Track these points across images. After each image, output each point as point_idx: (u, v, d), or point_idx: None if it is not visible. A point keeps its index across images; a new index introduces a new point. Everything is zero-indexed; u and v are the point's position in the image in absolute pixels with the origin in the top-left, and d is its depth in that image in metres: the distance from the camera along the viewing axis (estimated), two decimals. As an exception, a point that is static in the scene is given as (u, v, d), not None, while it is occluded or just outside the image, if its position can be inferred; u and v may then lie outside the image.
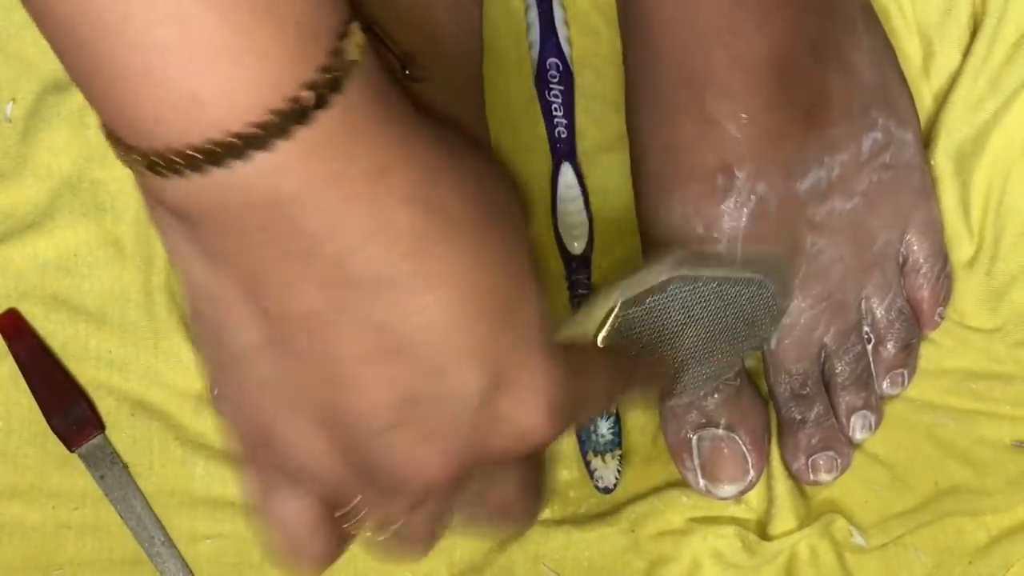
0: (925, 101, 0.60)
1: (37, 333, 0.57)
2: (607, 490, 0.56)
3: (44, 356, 0.57)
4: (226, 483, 0.56)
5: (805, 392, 0.55)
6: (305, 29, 0.32)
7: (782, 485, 0.55)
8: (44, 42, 0.62)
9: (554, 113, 0.60)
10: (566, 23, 0.61)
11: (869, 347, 0.56)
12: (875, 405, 0.56)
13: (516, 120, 0.60)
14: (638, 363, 0.46)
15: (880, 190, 0.56)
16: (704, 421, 0.55)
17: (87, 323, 0.58)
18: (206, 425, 0.57)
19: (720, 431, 0.54)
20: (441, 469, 0.38)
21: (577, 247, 0.58)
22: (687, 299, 0.47)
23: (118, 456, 0.56)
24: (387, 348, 0.35)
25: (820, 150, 0.54)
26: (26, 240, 0.58)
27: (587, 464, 0.56)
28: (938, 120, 0.60)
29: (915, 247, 0.57)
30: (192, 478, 0.56)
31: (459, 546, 0.55)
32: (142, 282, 0.58)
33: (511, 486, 0.43)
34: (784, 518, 0.55)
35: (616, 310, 0.45)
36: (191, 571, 0.55)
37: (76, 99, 0.59)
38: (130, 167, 0.34)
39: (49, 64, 0.60)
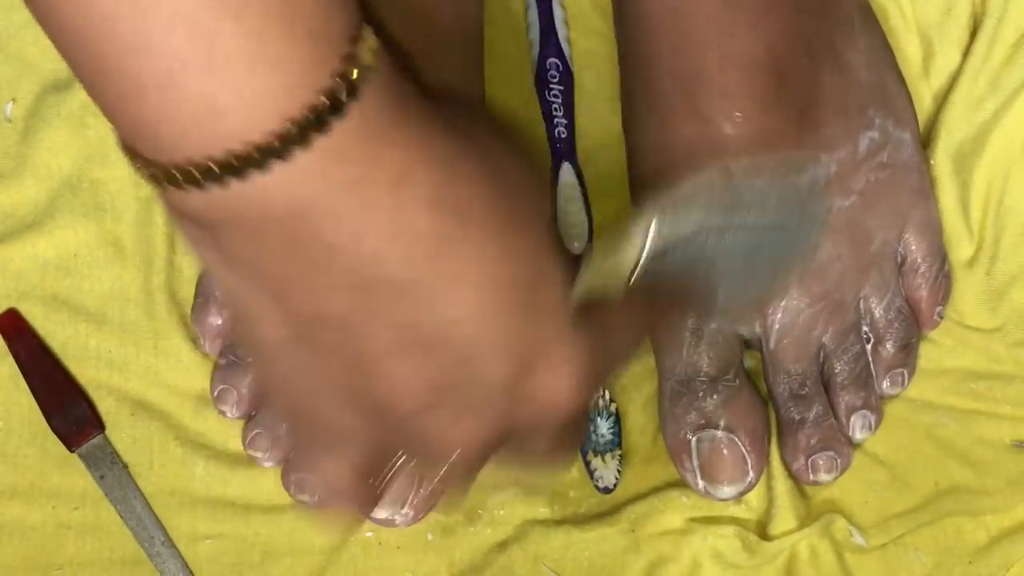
0: (925, 101, 0.60)
1: (37, 333, 0.57)
2: (607, 490, 0.56)
3: (44, 356, 0.57)
4: (226, 483, 0.56)
5: (804, 392, 0.55)
6: (319, 35, 0.32)
7: (782, 485, 0.55)
8: (44, 42, 0.63)
9: (554, 113, 0.60)
10: (566, 23, 0.61)
11: (868, 347, 0.56)
12: (875, 405, 0.56)
13: (516, 120, 0.60)
14: (665, 298, 0.45)
15: (877, 189, 0.56)
16: (703, 422, 0.55)
17: (87, 323, 0.58)
18: (206, 425, 0.57)
19: (719, 432, 0.54)
20: (472, 443, 0.39)
21: (577, 247, 0.58)
22: (723, 216, 0.45)
23: (118, 456, 0.56)
24: (414, 343, 0.36)
25: (816, 149, 0.54)
26: (26, 240, 0.58)
27: (587, 464, 0.56)
28: (938, 120, 0.60)
29: (913, 247, 0.57)
30: (192, 478, 0.56)
31: (459, 546, 0.55)
32: (142, 282, 0.58)
33: (545, 441, 0.43)
34: (784, 518, 0.55)
35: (648, 250, 0.43)
36: (191, 571, 0.55)
37: (76, 99, 0.59)
38: (148, 180, 0.34)
39: (49, 64, 0.60)
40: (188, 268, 0.58)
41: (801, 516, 0.55)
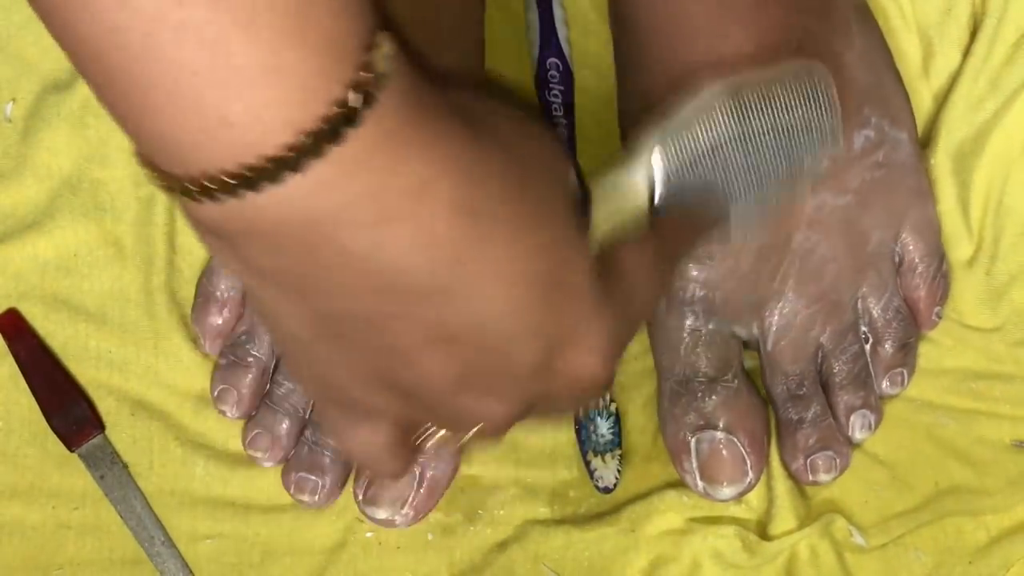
0: (925, 101, 0.60)
1: (37, 333, 0.57)
2: (607, 490, 0.56)
3: (44, 356, 0.57)
4: (226, 483, 0.56)
5: (802, 393, 0.55)
6: (332, 44, 0.31)
7: (782, 485, 0.55)
8: (44, 42, 0.63)
9: (554, 113, 0.60)
10: (566, 23, 0.61)
11: (867, 347, 0.56)
12: (874, 404, 0.56)
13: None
14: (683, 229, 0.44)
15: (873, 189, 0.56)
16: (702, 423, 0.55)
17: (87, 323, 0.58)
18: (206, 425, 0.57)
19: (719, 433, 0.54)
20: (502, 417, 0.39)
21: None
22: (734, 114, 0.43)
23: (118, 456, 0.56)
24: (442, 337, 0.36)
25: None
26: (26, 240, 0.58)
27: (587, 464, 0.56)
28: (938, 120, 0.60)
29: (911, 247, 0.57)
30: (192, 478, 0.56)
31: (459, 546, 0.55)
32: (142, 282, 0.58)
33: (571, 400, 0.43)
34: (784, 518, 0.55)
35: (660, 174, 0.42)
36: (191, 571, 0.55)
37: (76, 99, 0.59)
38: (165, 192, 0.33)
39: (49, 64, 0.60)
40: (188, 268, 0.58)
41: (801, 516, 0.55)
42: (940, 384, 0.58)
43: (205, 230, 0.34)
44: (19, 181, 0.59)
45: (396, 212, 0.33)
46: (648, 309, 0.42)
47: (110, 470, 0.56)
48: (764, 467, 0.55)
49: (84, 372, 0.57)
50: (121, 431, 0.56)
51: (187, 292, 0.58)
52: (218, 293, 0.56)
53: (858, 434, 0.56)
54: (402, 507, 0.54)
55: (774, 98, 0.44)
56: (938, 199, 0.58)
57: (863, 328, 0.56)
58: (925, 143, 0.60)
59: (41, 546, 0.55)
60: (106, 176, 0.59)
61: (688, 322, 0.55)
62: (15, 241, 0.58)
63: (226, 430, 0.57)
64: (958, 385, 0.58)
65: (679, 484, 0.55)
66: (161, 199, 0.59)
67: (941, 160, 0.59)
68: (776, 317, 0.55)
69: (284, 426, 0.55)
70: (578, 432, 0.56)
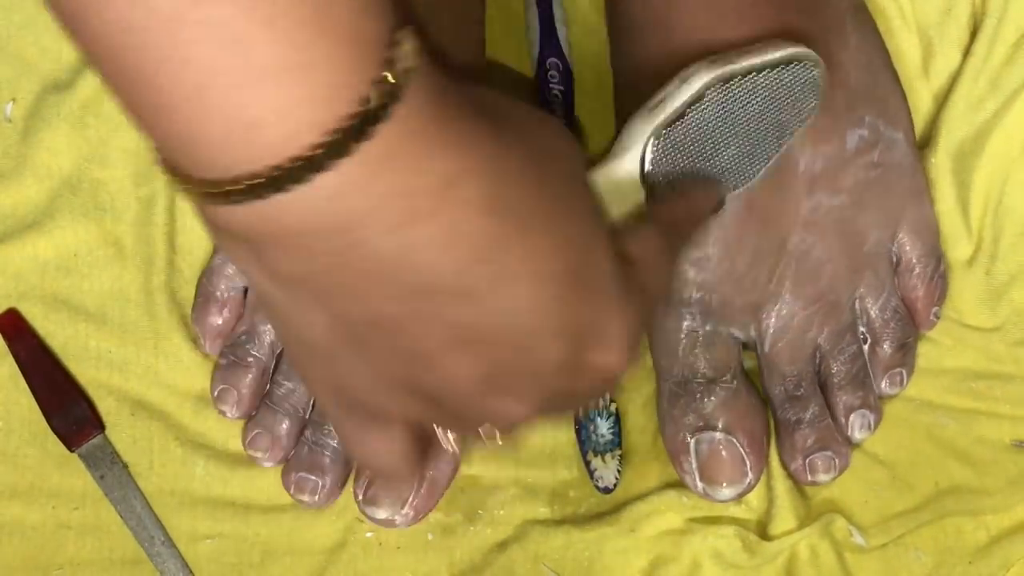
0: (925, 101, 0.60)
1: (37, 333, 0.57)
2: (607, 490, 0.56)
3: (44, 356, 0.57)
4: (226, 483, 0.56)
5: (799, 393, 0.55)
6: (356, 41, 0.31)
7: (782, 485, 0.55)
8: (44, 42, 0.63)
9: (554, 113, 0.60)
10: (566, 23, 0.61)
11: (865, 347, 0.56)
12: (874, 404, 0.56)
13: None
14: (684, 205, 0.45)
15: (868, 189, 0.56)
16: (702, 424, 0.54)
17: (87, 323, 0.58)
18: (206, 425, 0.57)
19: (718, 434, 0.54)
20: (527, 416, 0.39)
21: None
22: (725, 103, 0.44)
23: (118, 456, 0.56)
24: (469, 339, 0.35)
25: (801, 145, 0.54)
26: (26, 240, 0.58)
27: (587, 464, 0.56)
28: (938, 120, 0.60)
29: (907, 247, 0.57)
30: (192, 478, 0.56)
31: (459, 546, 0.55)
32: (142, 282, 0.58)
33: (590, 396, 0.43)
34: (784, 518, 0.55)
35: (651, 139, 0.42)
36: (191, 571, 0.55)
37: (76, 99, 0.59)
38: (187, 197, 0.33)
39: (49, 64, 0.60)
40: (188, 268, 0.58)
41: (801, 516, 0.55)
42: (940, 384, 0.58)
43: (227, 235, 0.34)
44: (19, 181, 0.59)
45: (423, 210, 0.32)
46: (658, 299, 0.42)
47: (110, 470, 0.56)
48: (764, 467, 0.55)
49: (84, 372, 0.57)
50: (121, 431, 0.57)
51: (187, 292, 0.58)
52: (218, 293, 0.56)
53: (858, 434, 0.56)
54: (402, 507, 0.54)
55: (761, 81, 0.45)
56: (938, 199, 0.58)
57: (861, 329, 0.56)
58: (925, 143, 0.60)
59: (41, 546, 0.55)
60: (106, 176, 0.59)
61: (685, 324, 0.55)
62: (15, 241, 0.58)
63: (226, 430, 0.57)
64: (958, 385, 0.58)
65: (679, 484, 0.55)
66: (161, 199, 0.59)
67: (941, 160, 0.59)
68: (773, 319, 0.55)
69: (284, 426, 0.55)
70: (578, 432, 0.56)
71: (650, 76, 0.55)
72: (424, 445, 0.42)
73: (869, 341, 0.56)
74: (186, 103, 0.30)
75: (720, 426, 0.54)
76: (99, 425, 0.56)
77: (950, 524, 0.55)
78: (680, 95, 0.44)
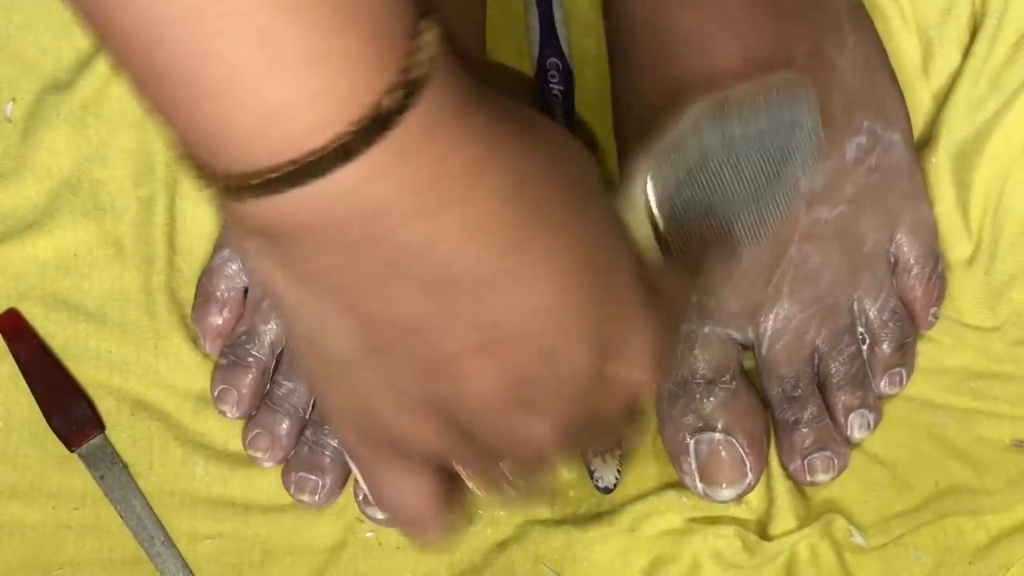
0: (925, 101, 0.60)
1: (37, 333, 0.57)
2: (607, 490, 0.56)
3: (44, 356, 0.57)
4: (226, 483, 0.56)
5: (797, 394, 0.55)
6: (380, 31, 0.30)
7: (782, 485, 0.55)
8: (44, 42, 0.63)
9: (554, 113, 0.60)
10: (566, 23, 0.61)
11: (864, 348, 0.56)
12: (873, 404, 0.56)
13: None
14: (693, 246, 0.45)
15: (867, 194, 0.55)
16: (701, 424, 0.54)
17: (87, 323, 0.58)
18: (206, 425, 0.57)
19: (717, 434, 0.54)
20: (555, 438, 0.38)
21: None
22: (721, 144, 0.44)
23: (118, 456, 0.56)
24: (494, 341, 0.35)
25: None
26: (26, 240, 0.58)
27: (587, 464, 0.56)
28: (938, 120, 0.60)
29: (906, 248, 0.57)
30: (192, 478, 0.56)
31: (459, 547, 0.55)
32: (142, 282, 0.58)
33: (616, 419, 0.42)
34: (784, 518, 0.55)
35: (654, 193, 0.42)
36: (191, 571, 0.55)
37: (76, 99, 0.59)
38: (210, 193, 0.33)
39: (49, 64, 0.61)
40: (188, 268, 0.58)
41: (801, 516, 0.55)
42: (940, 384, 0.58)
43: (250, 231, 0.33)
44: (19, 181, 0.59)
45: (447, 198, 0.32)
46: (675, 328, 0.42)
47: (110, 470, 0.56)
48: (763, 468, 0.55)
49: (84, 372, 0.57)
50: (121, 431, 0.57)
51: (187, 292, 0.58)
52: (218, 293, 0.56)
53: (857, 434, 0.56)
54: None
55: (759, 115, 0.45)
56: (938, 199, 0.58)
57: (860, 329, 0.56)
58: (925, 143, 0.60)
59: (41, 546, 0.55)
60: (106, 176, 0.59)
61: (684, 325, 0.55)
62: (15, 241, 0.58)
63: (226, 430, 0.57)
64: (958, 384, 0.58)
65: (679, 484, 0.55)
66: (161, 199, 0.59)
67: (941, 160, 0.59)
68: (771, 322, 0.55)
69: (284, 426, 0.55)
70: (578, 432, 0.56)
71: (649, 77, 0.55)
72: (450, 492, 0.41)
73: (868, 342, 0.56)
74: (210, 96, 0.30)
75: (720, 427, 0.54)
76: (99, 425, 0.56)
77: (950, 524, 0.55)
78: (677, 129, 0.44)
